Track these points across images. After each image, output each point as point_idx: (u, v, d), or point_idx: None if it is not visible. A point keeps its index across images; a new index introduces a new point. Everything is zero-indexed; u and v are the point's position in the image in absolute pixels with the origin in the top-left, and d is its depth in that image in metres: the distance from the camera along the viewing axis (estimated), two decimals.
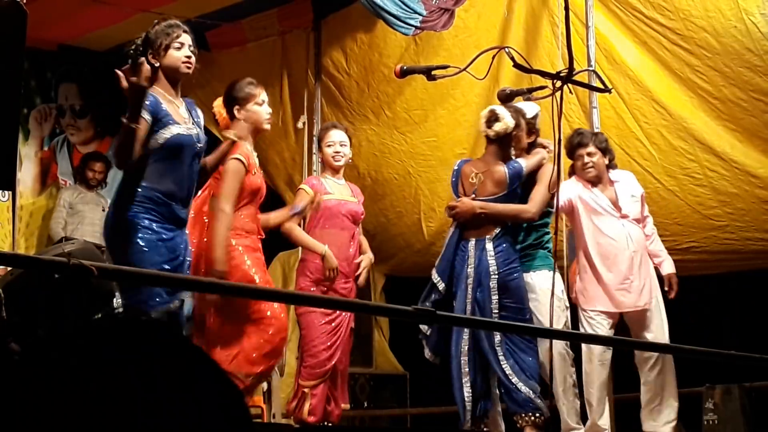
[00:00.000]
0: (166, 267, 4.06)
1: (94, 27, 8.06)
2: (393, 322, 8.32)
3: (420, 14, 6.70)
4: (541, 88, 4.38)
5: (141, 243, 4.03)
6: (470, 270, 5.21)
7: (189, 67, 4.24)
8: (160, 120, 4.09)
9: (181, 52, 4.22)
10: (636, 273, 5.30)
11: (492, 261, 5.17)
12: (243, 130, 4.78)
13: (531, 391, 5.05)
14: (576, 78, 4.00)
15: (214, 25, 8.10)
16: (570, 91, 6.10)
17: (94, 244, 6.23)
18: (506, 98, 4.41)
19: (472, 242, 5.26)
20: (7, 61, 3.07)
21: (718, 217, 6.48)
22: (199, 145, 4.26)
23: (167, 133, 4.10)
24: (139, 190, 4.09)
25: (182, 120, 4.19)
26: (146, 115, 4.04)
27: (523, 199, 5.31)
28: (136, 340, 0.68)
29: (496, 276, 5.15)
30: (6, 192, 7.71)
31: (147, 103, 4.05)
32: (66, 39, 8.47)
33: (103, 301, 4.99)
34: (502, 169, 5.29)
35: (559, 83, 3.82)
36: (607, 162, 5.47)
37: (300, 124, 7.94)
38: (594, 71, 5.62)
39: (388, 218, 7.98)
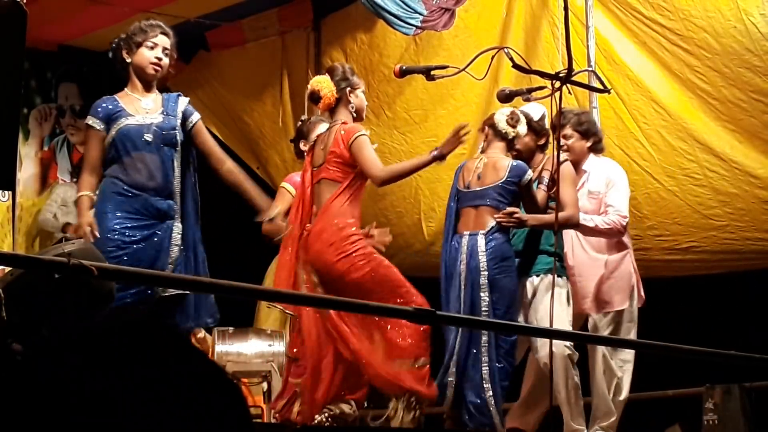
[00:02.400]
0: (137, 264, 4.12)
1: (94, 27, 8.05)
2: None
3: (421, 14, 6.70)
4: (541, 88, 4.39)
5: (107, 245, 4.11)
6: (462, 267, 5.05)
7: (156, 70, 4.32)
8: (113, 120, 4.28)
9: (152, 52, 4.31)
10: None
11: (483, 258, 5.00)
12: (344, 114, 4.78)
13: (493, 400, 4.89)
14: (575, 78, 4.01)
15: (214, 25, 8.10)
16: (569, 92, 6.10)
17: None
18: (505, 98, 4.41)
19: (465, 237, 5.12)
20: (7, 61, 3.08)
21: (718, 217, 6.48)
22: (164, 132, 4.31)
23: (118, 126, 4.27)
24: (107, 186, 4.24)
25: (139, 111, 4.31)
26: (97, 125, 4.29)
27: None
28: (133, 340, 0.68)
29: (486, 273, 4.97)
30: (6, 192, 7.71)
31: (99, 109, 4.33)
32: (66, 39, 8.46)
33: (103, 301, 4.97)
34: (506, 160, 5.09)
35: (558, 84, 3.83)
36: (589, 145, 5.29)
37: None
38: (593, 72, 5.62)
39: (388, 218, 7.97)
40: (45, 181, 8.51)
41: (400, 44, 7.44)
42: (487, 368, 4.92)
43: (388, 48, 7.53)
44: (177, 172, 4.30)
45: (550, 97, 3.88)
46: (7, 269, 4.95)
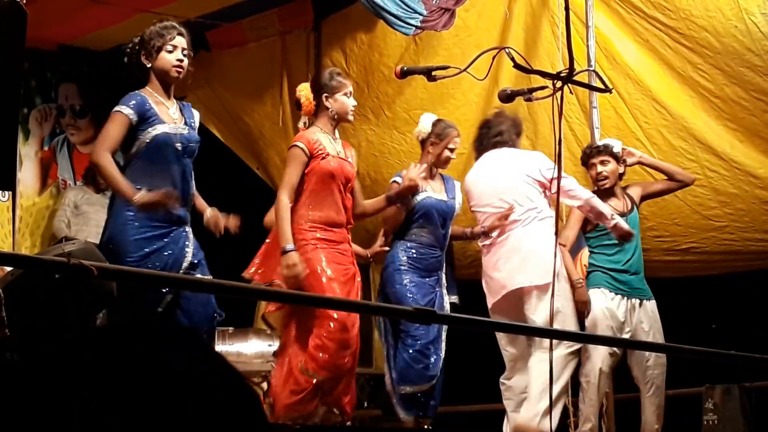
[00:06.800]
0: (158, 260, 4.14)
1: (94, 27, 8.05)
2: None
3: (421, 14, 6.69)
4: (542, 88, 4.38)
5: (131, 240, 4.13)
6: None
7: (179, 72, 4.29)
8: (146, 120, 4.17)
9: (173, 55, 4.27)
10: None
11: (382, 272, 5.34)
12: (322, 120, 4.85)
13: (392, 387, 5.16)
14: (576, 78, 4.00)
15: (214, 25, 8.09)
16: (570, 91, 6.10)
17: (95, 244, 6.21)
18: (507, 98, 4.39)
19: None
20: (7, 61, 3.08)
21: (718, 217, 6.48)
22: (190, 144, 4.32)
23: (153, 132, 4.18)
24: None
25: (170, 120, 4.26)
26: (131, 114, 4.14)
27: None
28: (149, 342, 0.68)
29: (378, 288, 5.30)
30: (6, 192, 7.70)
31: (132, 102, 4.16)
32: (66, 39, 8.46)
33: (103, 301, 4.97)
34: None
35: (559, 83, 3.82)
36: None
37: (301, 125, 7.92)
38: (594, 71, 5.62)
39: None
40: (45, 181, 8.50)
41: (400, 44, 7.44)
42: (392, 362, 5.19)
43: (388, 48, 7.52)
44: (193, 183, 4.33)
45: (551, 97, 3.87)
46: (8, 269, 4.95)
